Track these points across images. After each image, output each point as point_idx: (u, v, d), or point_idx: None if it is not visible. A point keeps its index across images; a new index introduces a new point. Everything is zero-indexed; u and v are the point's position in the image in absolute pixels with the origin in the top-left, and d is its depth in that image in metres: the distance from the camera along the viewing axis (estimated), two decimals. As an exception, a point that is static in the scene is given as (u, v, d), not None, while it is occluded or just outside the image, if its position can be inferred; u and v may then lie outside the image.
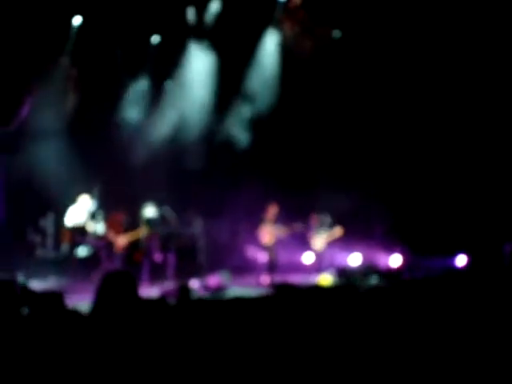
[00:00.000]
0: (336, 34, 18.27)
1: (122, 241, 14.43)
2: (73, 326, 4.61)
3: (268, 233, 15.57)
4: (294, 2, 16.77)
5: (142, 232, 15.16)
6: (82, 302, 10.99)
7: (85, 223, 15.81)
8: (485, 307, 6.29)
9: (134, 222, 15.44)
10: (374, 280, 14.86)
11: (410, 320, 5.79)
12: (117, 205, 14.69)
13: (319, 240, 16.03)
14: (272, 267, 15.57)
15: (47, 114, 15.56)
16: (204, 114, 18.54)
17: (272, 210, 15.61)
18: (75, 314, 5.22)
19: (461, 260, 16.44)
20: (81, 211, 15.89)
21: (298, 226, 15.84)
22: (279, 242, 15.77)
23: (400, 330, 5.60)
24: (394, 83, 17.75)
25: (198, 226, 17.10)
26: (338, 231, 16.02)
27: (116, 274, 4.48)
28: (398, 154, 17.96)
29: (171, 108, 18.66)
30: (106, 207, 15.57)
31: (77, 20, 16.81)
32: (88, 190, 15.84)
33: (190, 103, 18.53)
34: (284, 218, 15.77)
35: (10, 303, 4.91)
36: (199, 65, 18.56)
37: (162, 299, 6.90)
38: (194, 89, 18.62)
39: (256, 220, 15.79)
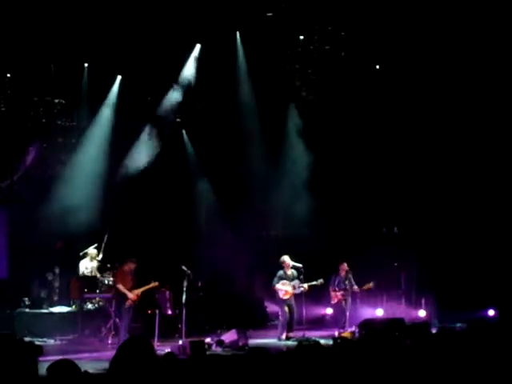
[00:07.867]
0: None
1: (133, 295, 13.48)
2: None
3: (287, 288, 14.74)
4: None
5: (154, 285, 14.30)
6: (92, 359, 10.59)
7: (93, 275, 15.34)
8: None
9: (145, 273, 14.68)
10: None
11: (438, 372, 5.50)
12: (126, 255, 13.84)
13: (341, 293, 15.08)
14: (290, 322, 14.72)
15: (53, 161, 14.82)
16: None
17: (288, 264, 14.82)
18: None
19: (490, 313, 15.81)
20: (89, 263, 15.46)
21: (317, 283, 14.91)
22: (300, 296, 14.90)
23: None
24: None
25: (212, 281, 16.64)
26: (367, 286, 15.14)
27: (133, 341, 4.20)
28: (426, 206, 17.12)
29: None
30: (115, 257, 14.89)
31: None
32: (96, 241, 15.37)
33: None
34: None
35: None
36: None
37: (171, 355, 6.18)
38: None
39: (271, 273, 15.00)
